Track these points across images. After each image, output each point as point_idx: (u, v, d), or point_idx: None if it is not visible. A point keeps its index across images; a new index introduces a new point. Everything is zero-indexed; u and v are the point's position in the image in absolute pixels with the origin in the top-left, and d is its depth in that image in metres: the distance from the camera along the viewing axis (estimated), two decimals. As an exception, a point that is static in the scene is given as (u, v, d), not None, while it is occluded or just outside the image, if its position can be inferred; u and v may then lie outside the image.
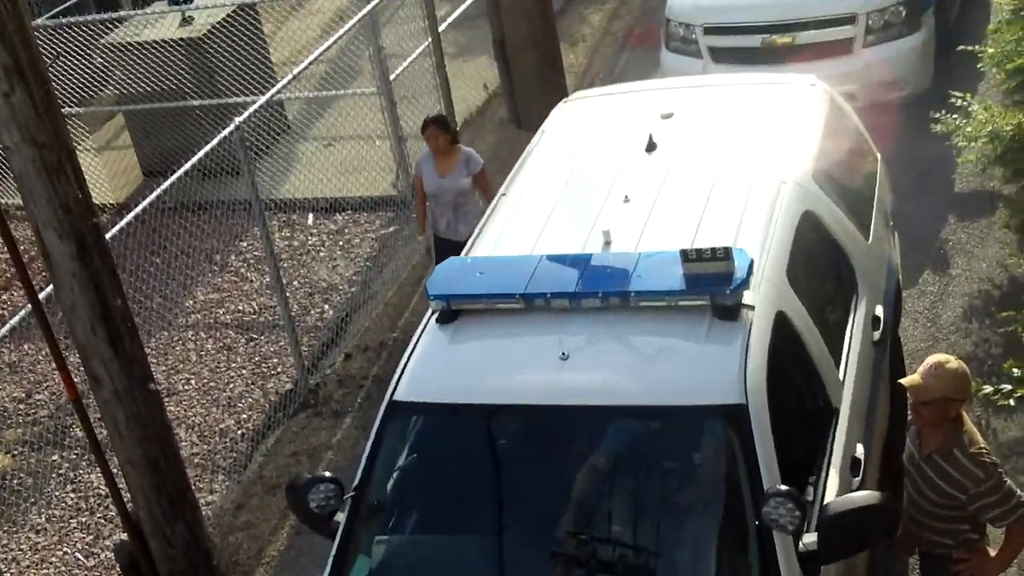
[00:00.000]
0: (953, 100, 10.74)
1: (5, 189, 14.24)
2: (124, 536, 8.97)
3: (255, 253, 13.69)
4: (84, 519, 10.60)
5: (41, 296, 8.57)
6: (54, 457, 11.24)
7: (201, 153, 11.21)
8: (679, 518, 6.58)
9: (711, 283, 6.68)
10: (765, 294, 6.95)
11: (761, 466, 6.28)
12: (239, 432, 11.29)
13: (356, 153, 14.90)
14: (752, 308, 6.77)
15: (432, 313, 7.35)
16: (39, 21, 16.36)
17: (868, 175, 9.37)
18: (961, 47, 11.74)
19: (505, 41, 14.72)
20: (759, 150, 8.43)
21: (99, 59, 15.86)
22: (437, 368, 7.14)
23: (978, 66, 11.49)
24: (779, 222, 7.58)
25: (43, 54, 7.80)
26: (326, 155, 15.20)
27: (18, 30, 7.34)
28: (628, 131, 8.87)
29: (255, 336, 12.51)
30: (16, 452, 11.42)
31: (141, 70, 15.26)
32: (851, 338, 7.82)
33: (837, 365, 7.48)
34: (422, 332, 7.35)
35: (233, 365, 12.16)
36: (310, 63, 13.03)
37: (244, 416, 11.48)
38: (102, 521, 10.52)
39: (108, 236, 8.84)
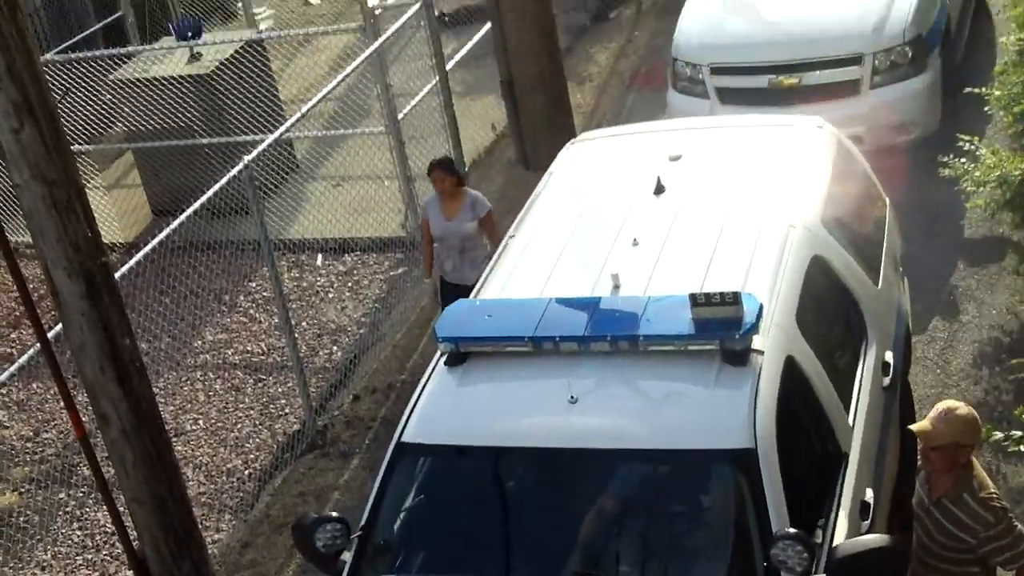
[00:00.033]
0: (961, 144, 10.74)
1: (15, 227, 14.25)
2: (130, 574, 8.96)
3: (264, 294, 13.68)
4: (90, 556, 10.60)
5: (50, 335, 8.55)
6: (61, 495, 11.23)
7: (210, 192, 11.23)
8: (688, 561, 6.62)
9: (720, 328, 6.71)
10: (774, 339, 6.99)
11: (770, 509, 6.32)
12: (246, 472, 11.28)
13: (365, 193, 14.90)
14: (761, 353, 6.81)
15: (441, 355, 7.39)
16: (48, 56, 16.38)
17: (877, 219, 9.38)
18: (968, 89, 11.75)
19: (513, 81, 14.72)
20: (767, 194, 8.47)
21: (108, 95, 15.90)
22: (445, 410, 7.18)
23: (985, 108, 11.48)
24: (788, 267, 7.61)
25: (52, 90, 7.81)
26: (335, 195, 15.20)
27: (27, 66, 7.31)
28: (636, 173, 8.89)
29: (263, 377, 12.51)
30: (23, 490, 11.41)
31: (150, 107, 15.30)
32: (861, 383, 7.83)
33: (847, 410, 7.50)
34: (431, 374, 7.38)
35: (241, 406, 12.15)
36: (318, 101, 13.06)
37: (251, 456, 11.47)
38: (108, 559, 10.52)
39: (117, 275, 8.84)
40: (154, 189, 15.78)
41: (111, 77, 15.79)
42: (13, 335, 13.97)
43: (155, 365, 12.17)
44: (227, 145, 14.80)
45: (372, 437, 11.39)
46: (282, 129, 12.79)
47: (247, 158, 11.10)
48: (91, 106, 16.06)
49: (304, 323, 13.17)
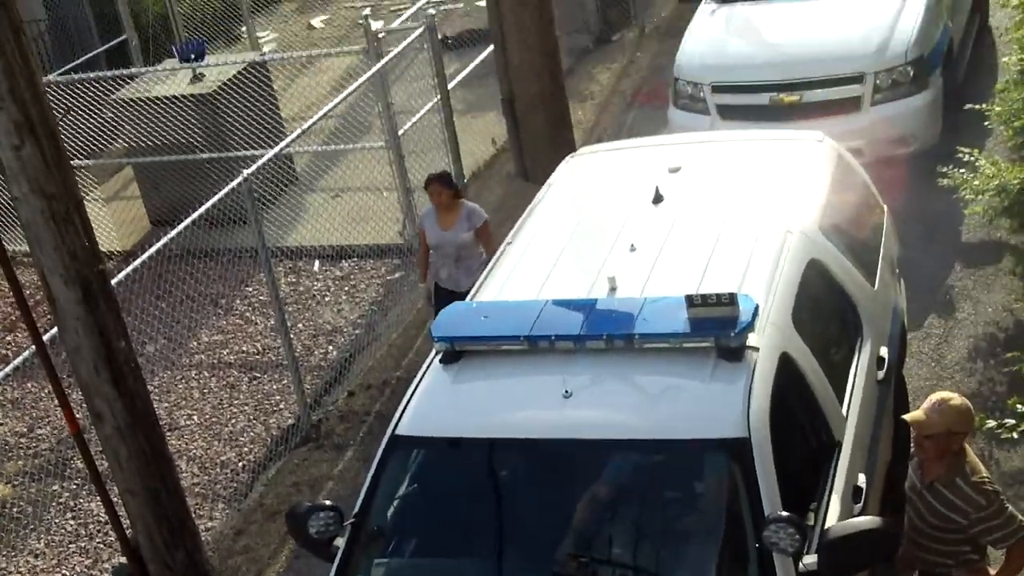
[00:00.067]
0: (960, 156, 10.79)
1: (12, 236, 14.29)
2: (123, 559, 8.98)
3: (260, 298, 13.76)
4: (83, 544, 10.67)
5: (46, 338, 8.58)
6: (54, 487, 11.31)
7: (209, 204, 11.26)
8: (682, 545, 6.62)
9: (716, 326, 6.74)
10: (770, 336, 7.02)
11: (763, 494, 6.36)
12: (240, 464, 11.35)
13: (363, 203, 14.97)
14: (757, 349, 6.83)
15: (436, 353, 7.40)
16: (51, 77, 16.46)
17: (875, 226, 9.44)
18: (969, 106, 11.79)
19: (514, 99, 14.76)
20: (765, 202, 8.52)
21: (110, 114, 15.94)
22: (439, 404, 7.19)
23: (985, 123, 11.54)
24: (785, 269, 7.66)
25: (54, 108, 7.89)
26: (333, 205, 15.26)
27: (29, 86, 7.44)
28: (635, 184, 8.92)
29: (258, 375, 12.59)
30: (17, 483, 11.49)
31: (151, 125, 15.35)
32: (855, 376, 7.90)
33: (841, 402, 7.56)
34: (425, 371, 7.41)
35: (236, 402, 12.23)
36: (319, 119, 13.14)
37: (245, 449, 11.54)
38: (101, 546, 10.59)
39: (114, 282, 8.87)
40: (153, 201, 15.85)
41: (113, 97, 15.85)
42: (8, 338, 14.04)
43: (150, 365, 12.24)
44: (227, 160, 14.84)
45: (366, 430, 11.44)
46: (282, 144, 12.83)
47: (246, 171, 11.14)
48: (92, 124, 16.10)
49: (300, 324, 13.24)
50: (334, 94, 16.15)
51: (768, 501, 6.33)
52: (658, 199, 8.55)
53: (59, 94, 16.03)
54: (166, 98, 15.37)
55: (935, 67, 13.31)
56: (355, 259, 14.29)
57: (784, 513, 6.16)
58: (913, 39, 13.11)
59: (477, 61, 16.85)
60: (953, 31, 14.01)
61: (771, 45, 13.75)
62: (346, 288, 13.86)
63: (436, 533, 7.08)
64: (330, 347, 12.85)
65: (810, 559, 6.28)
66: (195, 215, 11.17)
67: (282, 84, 18.22)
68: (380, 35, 14.60)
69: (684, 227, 8.18)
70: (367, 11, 17.53)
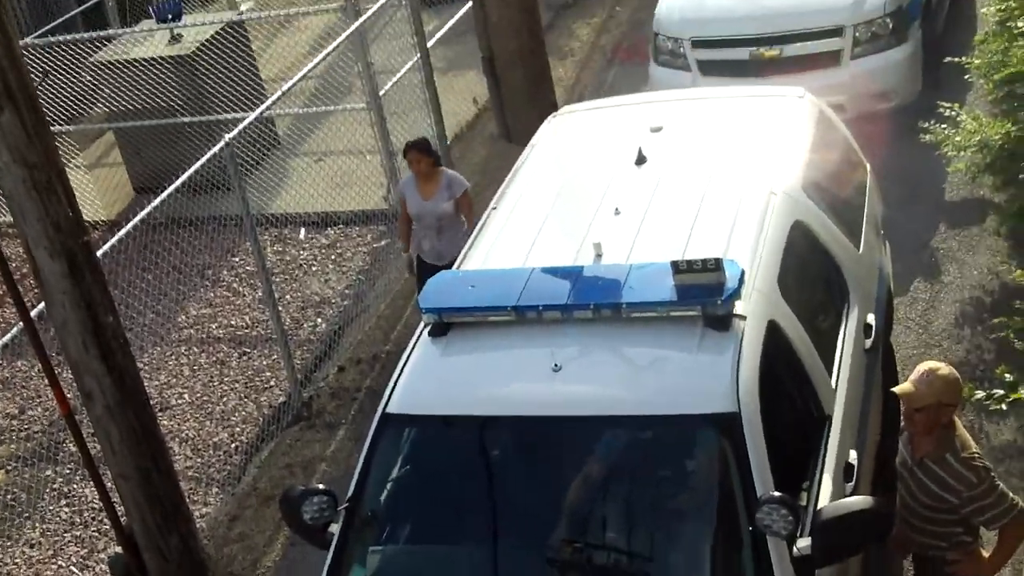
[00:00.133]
0: (942, 111, 10.78)
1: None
2: (118, 549, 8.99)
3: (247, 268, 13.70)
4: (78, 533, 10.62)
5: (33, 313, 8.58)
6: (48, 472, 11.26)
7: (191, 171, 11.19)
8: (674, 525, 6.62)
9: (702, 294, 6.70)
10: (756, 304, 6.98)
11: (754, 473, 6.32)
12: (233, 445, 11.30)
13: (347, 168, 14.92)
14: (743, 318, 6.80)
15: (424, 326, 7.38)
16: (27, 40, 16.32)
17: (858, 185, 9.40)
18: (949, 59, 11.79)
19: (494, 57, 14.72)
20: (748, 162, 8.46)
21: (88, 77, 15.86)
22: (429, 381, 7.17)
23: (966, 76, 11.52)
24: (769, 233, 7.61)
25: (32, 73, 7.82)
26: (317, 170, 15.22)
27: (6, 52, 7.37)
28: (618, 145, 8.88)
29: (248, 350, 12.52)
30: (9, 468, 11.44)
31: (131, 88, 15.27)
32: (843, 346, 7.84)
33: (829, 373, 7.51)
34: (414, 345, 7.37)
35: (226, 379, 12.17)
36: (299, 80, 13.05)
37: (237, 429, 11.49)
38: (96, 535, 10.53)
39: (99, 253, 8.84)
40: (135, 167, 15.78)
41: (91, 59, 15.75)
42: (-3, 314, 13.98)
43: (139, 340, 12.18)
44: (208, 124, 14.79)
45: (358, 408, 11.42)
46: (263, 107, 12.77)
47: (228, 136, 11.07)
48: (71, 88, 16.02)
49: (288, 296, 13.19)
50: (313, 54, 16.00)
51: (760, 480, 6.28)
52: (641, 160, 8.50)
53: (36, 58, 15.92)
54: (144, 60, 15.29)
55: (914, 19, 13.30)
56: (340, 226, 14.24)
57: (777, 494, 6.08)
58: (891, -10, 13.11)
59: (456, 18, 16.76)
60: (931, -19, 14.00)
61: (750, -1, 13.73)
62: (332, 257, 13.82)
63: (430, 515, 7.07)
64: (319, 319, 12.81)
65: (804, 543, 6.23)
66: (178, 183, 11.13)
67: (261, 44, 18.12)
68: (358, -9, 14.52)
69: (667, 189, 8.14)
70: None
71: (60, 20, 18.65)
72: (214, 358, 12.50)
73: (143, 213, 10.82)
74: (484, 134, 15.71)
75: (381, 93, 14.01)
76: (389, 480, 7.13)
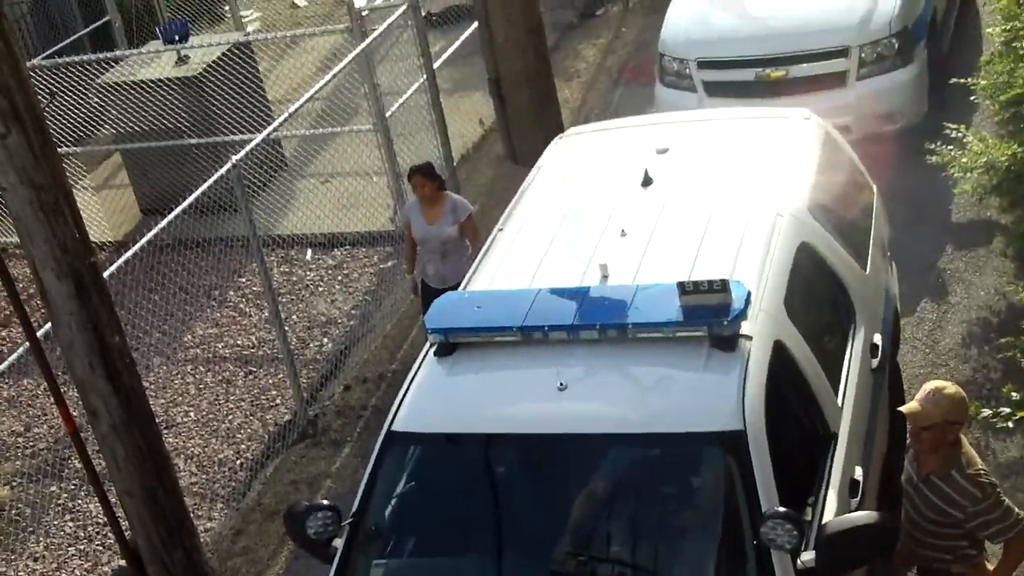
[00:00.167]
0: (948, 132, 10.79)
1: (3, 228, 14.25)
2: (122, 562, 9.01)
3: (254, 288, 13.71)
4: (82, 547, 10.67)
5: (39, 333, 8.58)
6: (52, 488, 11.30)
7: (198, 192, 11.22)
8: (680, 540, 6.65)
9: (709, 314, 6.73)
10: (763, 324, 7.02)
11: (759, 489, 6.36)
12: (238, 462, 11.35)
13: (353, 189, 14.94)
14: (750, 338, 6.83)
15: (430, 346, 7.40)
16: (35, 62, 16.37)
17: (864, 206, 9.42)
18: (954, 80, 11.80)
19: (500, 78, 14.72)
20: (755, 184, 8.49)
21: (95, 99, 15.89)
22: (435, 399, 7.19)
23: (971, 98, 11.53)
24: (776, 254, 7.65)
25: (39, 94, 7.83)
26: (324, 191, 15.23)
27: (13, 73, 7.35)
28: (624, 166, 8.90)
29: (254, 369, 12.56)
30: (15, 484, 11.48)
31: (137, 109, 15.30)
32: (849, 365, 7.88)
33: (836, 391, 7.54)
34: (420, 365, 7.40)
35: (232, 397, 12.21)
36: (305, 101, 13.06)
37: (243, 446, 11.53)
38: (100, 548, 10.59)
39: (106, 274, 8.85)
40: (142, 189, 15.80)
41: (98, 81, 15.78)
42: (3, 333, 13.99)
43: (145, 360, 12.21)
44: (215, 145, 14.81)
45: (363, 425, 11.45)
46: (270, 129, 12.81)
47: (235, 158, 11.11)
48: (78, 109, 16.05)
49: (294, 316, 13.21)
50: (320, 75, 16.07)
51: (765, 496, 6.33)
52: (647, 182, 8.53)
53: (44, 79, 15.96)
54: (152, 81, 15.32)
55: (920, 39, 13.31)
56: (347, 247, 14.25)
57: (782, 509, 6.14)
58: (897, 10, 13.11)
59: (462, 39, 16.76)
60: (936, 2, 13.99)
61: (756, 19, 13.74)
62: (339, 277, 13.84)
63: (434, 531, 7.10)
64: (325, 339, 12.83)
65: (808, 556, 6.28)
66: (184, 204, 11.13)
67: (267, 65, 18.16)
68: (364, 13, 14.53)
69: (674, 211, 8.17)
70: (350, -11, 17.49)
71: (67, 41, 18.74)
72: (220, 377, 12.53)
73: (150, 235, 10.83)
74: (490, 155, 15.73)
75: (388, 114, 14.03)
76: (393, 496, 7.17)
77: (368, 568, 7.00)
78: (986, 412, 7.42)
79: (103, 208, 16.08)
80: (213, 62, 15.31)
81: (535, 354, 7.07)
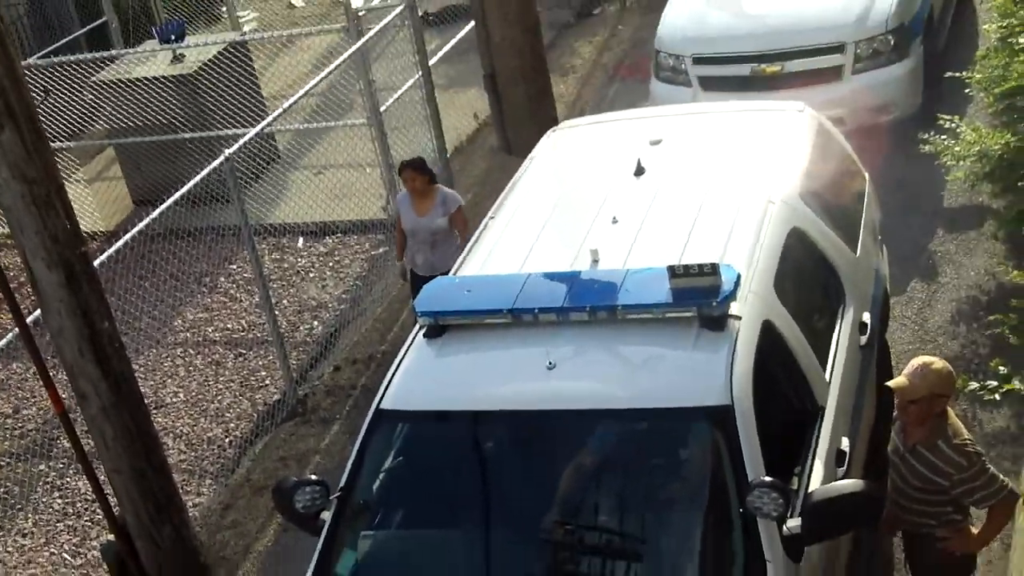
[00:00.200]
0: (942, 123, 10.81)
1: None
2: (110, 537, 9.03)
3: (245, 275, 13.76)
4: (71, 522, 10.73)
5: (29, 320, 8.62)
6: (41, 467, 11.35)
7: (191, 184, 11.25)
8: (668, 510, 6.66)
9: (698, 296, 6.75)
10: (752, 305, 7.04)
11: (746, 461, 6.40)
12: (227, 440, 11.40)
13: (346, 180, 14.98)
14: (739, 318, 6.85)
15: (419, 328, 7.40)
16: (31, 61, 16.39)
17: (856, 193, 9.45)
18: (950, 73, 11.82)
19: (495, 75, 14.75)
20: (747, 173, 8.52)
21: (90, 96, 15.90)
22: (423, 379, 7.20)
23: (966, 91, 11.59)
24: (766, 238, 7.68)
25: (33, 91, 7.91)
26: (316, 183, 15.28)
27: (8, 73, 7.50)
28: (617, 157, 8.92)
29: (244, 352, 12.61)
30: (3, 464, 11.53)
31: (132, 106, 15.32)
32: (838, 342, 7.93)
33: (824, 367, 7.60)
34: (409, 346, 7.41)
35: (221, 379, 12.27)
36: (299, 97, 13.11)
37: (232, 425, 11.59)
38: (89, 524, 10.64)
39: (97, 263, 8.89)
40: (135, 181, 15.84)
41: (93, 79, 15.81)
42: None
43: (135, 344, 12.22)
44: (209, 139, 14.82)
45: (352, 404, 11.50)
46: (263, 124, 12.85)
47: (228, 151, 11.14)
48: (73, 106, 16.07)
49: (285, 301, 13.27)
50: (315, 72, 16.09)
51: (751, 467, 6.37)
52: (640, 171, 8.54)
53: (39, 77, 15.98)
54: (146, 79, 15.35)
55: (916, 35, 13.31)
56: (339, 235, 14.30)
57: (767, 478, 6.21)
58: (893, 8, 13.11)
59: (458, 37, 16.83)
60: (933, -1, 14.02)
61: (752, 16, 13.74)
62: (330, 264, 13.88)
63: (421, 505, 7.11)
64: (315, 322, 12.88)
65: (794, 523, 6.34)
66: (177, 195, 11.17)
67: (263, 63, 18.22)
68: (360, 13, 14.55)
69: (666, 199, 8.18)
70: (347, -11, 17.50)
71: (64, 41, 18.74)
72: (210, 359, 12.60)
73: (141, 224, 10.86)
74: (484, 147, 15.77)
75: (382, 109, 14.04)
76: (381, 471, 7.17)
77: (356, 539, 7.01)
78: (973, 385, 7.49)
79: (95, 199, 16.14)
80: (209, 60, 15.36)
81: (524, 335, 7.08)
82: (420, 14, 14.74)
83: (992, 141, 10.34)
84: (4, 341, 9.80)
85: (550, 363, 6.77)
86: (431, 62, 14.80)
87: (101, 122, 16.22)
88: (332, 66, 13.72)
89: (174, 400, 12.06)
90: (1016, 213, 10.57)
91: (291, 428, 11.37)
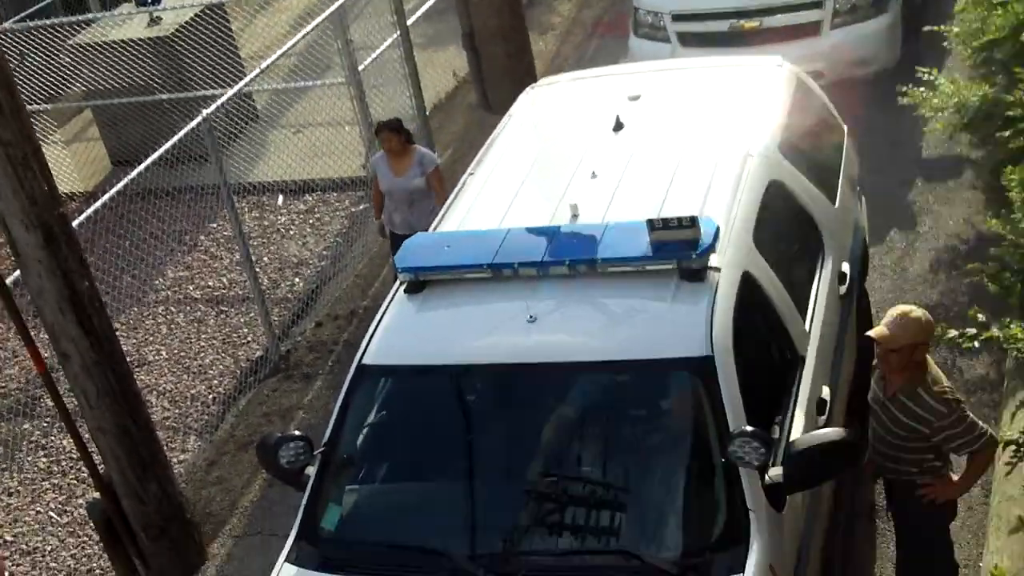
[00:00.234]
0: (920, 75, 10.84)
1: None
2: (96, 495, 9.06)
3: (225, 233, 13.77)
4: (56, 481, 10.75)
5: (9, 280, 8.61)
6: (25, 426, 11.38)
7: (168, 145, 11.23)
8: (651, 461, 6.65)
9: (678, 249, 6.77)
10: (731, 257, 7.06)
11: (727, 410, 6.42)
12: (210, 396, 11.44)
13: (326, 138, 14.95)
14: (718, 270, 6.87)
15: (400, 284, 7.41)
16: (6, 25, 16.34)
17: (834, 145, 9.48)
18: (928, 27, 11.84)
19: (474, 34, 14.73)
20: (725, 127, 8.54)
21: (67, 59, 15.84)
22: (405, 333, 7.20)
23: (944, 44, 11.62)
24: (745, 191, 7.69)
25: (9, 55, 7.88)
26: (295, 141, 15.27)
27: (-18, 36, 7.44)
28: (596, 113, 8.92)
29: (225, 309, 12.65)
30: (-14, 424, 11.58)
31: (109, 68, 15.27)
32: (817, 292, 7.96)
33: (804, 317, 7.62)
34: (390, 302, 7.41)
35: (203, 336, 12.30)
36: (277, 58, 13.11)
37: (215, 382, 11.63)
38: (75, 482, 10.66)
39: (76, 223, 8.88)
40: (113, 142, 15.81)
41: (69, 42, 15.74)
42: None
43: (116, 303, 12.20)
44: (187, 100, 14.78)
45: (335, 359, 11.54)
46: (241, 84, 12.80)
47: (206, 111, 11.11)
48: (50, 69, 16.01)
49: (265, 258, 13.28)
50: (293, 33, 16.06)
51: (733, 416, 6.39)
52: (618, 127, 8.54)
53: (15, 41, 15.93)
54: (123, 42, 15.30)
55: (895, -9, 13.33)
56: (319, 192, 14.33)
57: (749, 427, 6.23)
58: (872, -37, 13.12)
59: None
60: (913, -48, 14.00)
61: (731, -28, 13.71)
62: (311, 221, 13.90)
63: (404, 459, 7.13)
64: (296, 279, 12.91)
65: (776, 471, 6.38)
66: (155, 155, 11.13)
67: (240, 24, 18.11)
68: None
69: (645, 153, 8.19)
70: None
71: (39, 5, 18.63)
72: (191, 317, 12.62)
73: (119, 185, 10.84)
74: (463, 104, 15.78)
75: (360, 68, 14.00)
76: (364, 426, 7.18)
77: (340, 493, 7.03)
78: (952, 333, 7.53)
79: (73, 160, 16.10)
80: (185, 23, 15.33)
81: (505, 290, 7.09)
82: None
83: (970, 93, 10.39)
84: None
85: (531, 317, 6.78)
86: (409, 21, 14.71)
87: (79, 85, 16.16)
88: (310, 26, 13.65)
89: (156, 358, 12.08)
90: (994, 164, 10.58)
91: (274, 384, 11.40)
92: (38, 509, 10.45)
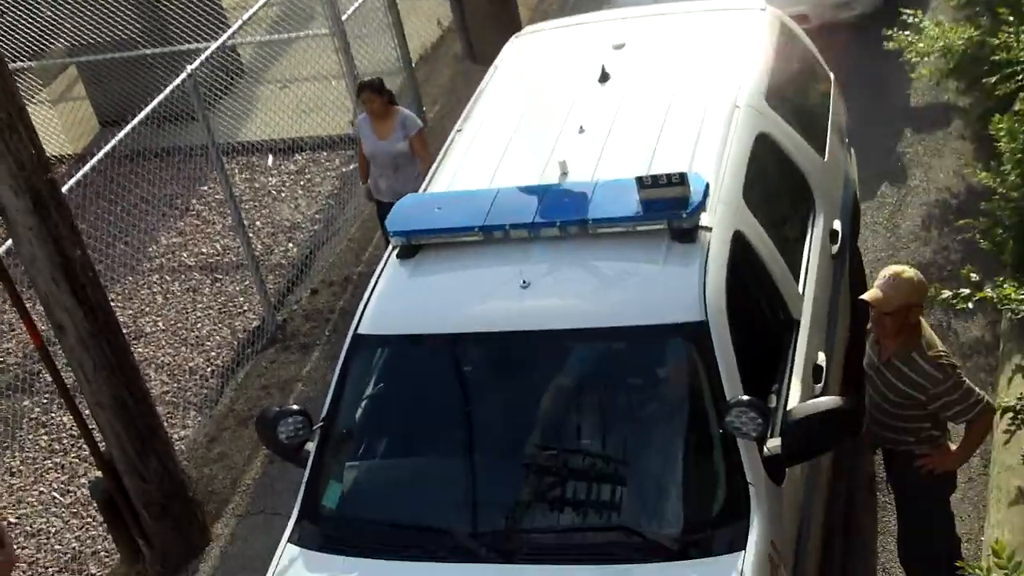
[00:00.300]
0: (904, 18, 10.79)
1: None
2: (98, 474, 9.08)
3: (216, 196, 13.68)
4: (58, 459, 10.75)
5: (1, 250, 8.59)
6: (25, 403, 11.36)
7: (154, 103, 11.13)
8: (647, 431, 6.67)
9: (668, 207, 6.72)
10: (722, 215, 7.02)
11: (723, 378, 6.39)
12: (208, 369, 11.41)
13: (312, 93, 14.89)
14: (709, 230, 6.84)
15: (392, 249, 7.41)
16: (-15, -23, 16.20)
17: (822, 95, 9.43)
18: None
19: (457, -19, 14.70)
20: (711, 77, 8.46)
21: (48, 13, 15.73)
22: (399, 301, 7.19)
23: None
24: (733, 146, 7.64)
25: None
26: (282, 97, 15.19)
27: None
28: (581, 63, 8.86)
29: (220, 277, 12.60)
30: (-14, 400, 11.55)
31: (90, 21, 15.15)
32: (810, 252, 7.92)
33: (796, 278, 7.57)
34: (383, 268, 7.40)
35: (199, 306, 12.26)
36: (259, 7, 13.00)
37: (213, 354, 11.60)
38: (76, 461, 10.66)
39: (65, 189, 8.84)
40: (100, 101, 15.73)
41: (49, -2, 15.64)
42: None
43: (110, 272, 12.18)
44: (173, 55, 14.69)
45: (331, 328, 11.53)
46: (224, 37, 12.69)
47: (190, 67, 11.03)
48: (31, 24, 15.89)
49: (258, 222, 13.23)
50: (275, -19, 15.97)
51: (729, 385, 6.36)
52: (604, 78, 8.50)
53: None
54: (103, -3, 15.19)
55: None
56: (308, 151, 14.25)
57: (746, 397, 6.18)
58: (854, -98, 13.05)
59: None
60: None
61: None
62: (301, 183, 13.84)
63: (404, 431, 7.16)
64: (290, 244, 12.87)
65: (774, 443, 6.35)
66: (141, 116, 11.06)
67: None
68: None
69: (631, 106, 8.14)
70: None
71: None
72: (187, 286, 12.56)
73: (108, 147, 10.77)
74: (449, 55, 15.70)
75: (344, 18, 13.92)
76: (362, 399, 7.19)
77: (341, 469, 7.05)
78: (946, 294, 7.49)
79: (61, 121, 16.01)
80: (166, -26, 15.18)
81: (497, 253, 7.08)
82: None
83: (955, 36, 10.33)
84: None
85: (524, 282, 6.78)
86: (392, -31, 14.66)
87: (61, 40, 16.05)
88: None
89: (153, 329, 12.05)
90: (982, 112, 10.54)
91: (272, 355, 11.40)
92: (41, 489, 10.47)
